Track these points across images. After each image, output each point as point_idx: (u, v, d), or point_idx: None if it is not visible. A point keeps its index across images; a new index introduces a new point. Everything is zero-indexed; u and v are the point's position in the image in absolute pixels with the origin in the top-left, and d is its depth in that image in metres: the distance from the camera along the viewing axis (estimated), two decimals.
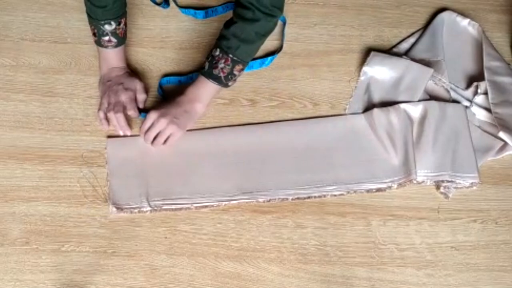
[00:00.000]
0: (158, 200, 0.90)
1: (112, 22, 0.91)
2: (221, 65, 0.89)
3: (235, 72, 0.91)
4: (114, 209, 0.89)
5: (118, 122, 0.93)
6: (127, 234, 0.89)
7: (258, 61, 1.03)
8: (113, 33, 0.93)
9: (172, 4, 1.08)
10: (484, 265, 0.90)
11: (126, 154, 0.94)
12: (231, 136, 0.97)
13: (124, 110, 0.94)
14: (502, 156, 0.98)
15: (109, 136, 0.96)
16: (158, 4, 1.08)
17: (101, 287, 0.86)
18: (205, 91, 0.93)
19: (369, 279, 0.88)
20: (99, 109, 0.95)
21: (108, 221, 0.90)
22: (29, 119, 0.97)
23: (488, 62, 1.03)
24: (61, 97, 0.99)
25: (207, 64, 0.91)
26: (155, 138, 0.92)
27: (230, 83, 0.93)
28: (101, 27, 0.91)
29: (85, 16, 1.05)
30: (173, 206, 0.90)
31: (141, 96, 0.97)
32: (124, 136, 0.95)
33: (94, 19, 0.91)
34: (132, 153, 0.94)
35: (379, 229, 0.92)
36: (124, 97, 0.94)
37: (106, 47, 0.94)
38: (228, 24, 0.90)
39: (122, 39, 0.95)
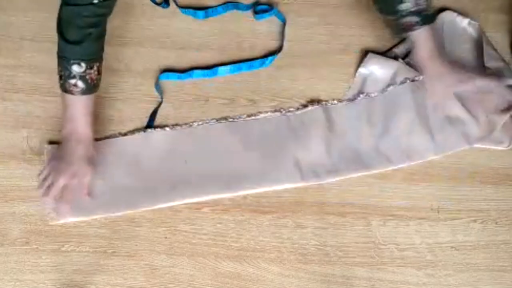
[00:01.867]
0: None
1: (83, 64, 0.82)
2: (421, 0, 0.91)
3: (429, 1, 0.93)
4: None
5: (44, 202, 0.87)
6: (127, 234, 0.89)
7: (258, 61, 1.03)
8: (82, 77, 0.83)
9: (172, 4, 1.08)
10: (484, 265, 0.90)
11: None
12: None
13: (68, 193, 0.87)
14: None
15: (51, 142, 0.95)
16: (158, 4, 1.08)
17: (101, 287, 0.86)
18: (430, 40, 0.95)
19: (369, 279, 0.88)
20: (39, 175, 0.88)
21: (108, 221, 0.90)
22: (29, 119, 0.97)
23: (488, 62, 1.04)
24: None
25: (414, 18, 0.91)
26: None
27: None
28: (69, 67, 0.82)
29: None
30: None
31: (85, 182, 0.88)
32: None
33: (62, 58, 0.82)
34: None
35: (379, 229, 0.92)
36: (64, 183, 0.86)
37: (71, 92, 0.84)
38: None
39: (91, 87, 0.84)
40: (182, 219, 0.91)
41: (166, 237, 0.89)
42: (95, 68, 0.85)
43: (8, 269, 0.86)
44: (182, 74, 1.01)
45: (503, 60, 1.05)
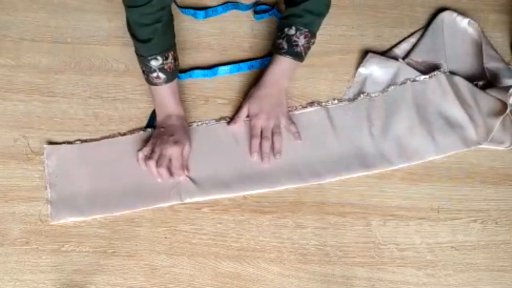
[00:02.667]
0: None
1: (159, 57, 0.88)
2: (301, 42, 0.92)
3: (311, 45, 0.95)
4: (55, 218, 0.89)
5: (160, 175, 0.90)
6: (127, 234, 0.89)
7: (258, 61, 1.03)
8: (161, 69, 0.89)
9: (172, 4, 1.08)
10: (484, 265, 0.90)
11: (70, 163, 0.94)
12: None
13: (169, 163, 0.90)
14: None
15: (49, 143, 0.95)
16: None
17: (101, 287, 0.86)
18: (287, 69, 0.95)
19: (369, 279, 0.88)
20: (141, 149, 0.92)
21: (108, 221, 0.90)
22: (29, 119, 0.97)
23: (487, 63, 1.04)
24: (61, 97, 0.99)
25: (285, 44, 0.92)
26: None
27: (305, 57, 0.96)
28: (147, 63, 0.88)
29: (85, 16, 1.06)
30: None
31: (185, 160, 0.93)
32: None
33: (140, 56, 0.89)
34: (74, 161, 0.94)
35: (379, 229, 0.92)
36: (171, 151, 0.90)
37: (155, 84, 0.91)
38: (293, 2, 0.92)
39: (171, 75, 0.91)
40: (182, 219, 0.91)
41: (166, 237, 0.90)
42: (170, 57, 0.90)
43: (8, 269, 0.86)
44: (182, 74, 1.01)
45: (503, 60, 1.06)
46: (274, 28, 1.07)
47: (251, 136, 0.95)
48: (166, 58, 0.89)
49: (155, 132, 0.94)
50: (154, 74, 0.89)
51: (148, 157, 0.90)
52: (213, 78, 1.02)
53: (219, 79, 1.02)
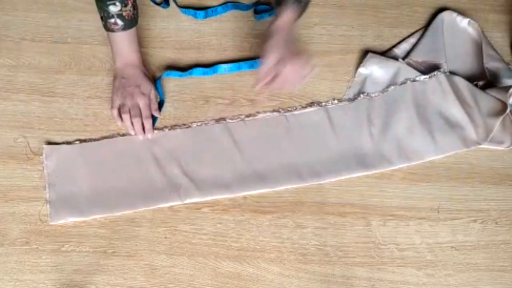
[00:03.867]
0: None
1: (117, 3, 0.88)
2: None
3: None
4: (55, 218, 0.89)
5: (135, 127, 0.94)
6: (127, 234, 0.89)
7: (259, 60, 1.03)
8: (119, 15, 0.90)
9: (172, 4, 1.08)
10: (484, 265, 0.90)
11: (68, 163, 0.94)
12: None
13: (145, 111, 0.94)
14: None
15: (49, 143, 0.95)
16: (158, 4, 1.08)
17: (101, 287, 0.86)
18: (295, 17, 0.89)
19: (369, 279, 0.88)
20: (112, 107, 0.95)
21: (108, 221, 0.90)
22: (29, 119, 0.97)
23: (487, 63, 1.04)
24: (61, 97, 0.99)
25: None
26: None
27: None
28: (106, 8, 0.89)
29: (85, 16, 1.06)
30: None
31: (155, 104, 0.97)
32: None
33: (99, 1, 0.89)
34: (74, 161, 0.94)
35: (379, 229, 0.92)
36: (141, 102, 0.94)
37: (112, 30, 0.92)
38: None
39: (129, 22, 0.92)
40: (182, 219, 0.91)
41: (166, 237, 0.90)
42: (129, 5, 0.90)
43: (8, 269, 0.86)
44: (182, 73, 1.01)
45: (503, 60, 1.06)
46: None
47: (263, 70, 0.87)
48: (125, 5, 0.90)
49: (117, 83, 0.95)
50: (112, 20, 0.90)
51: (122, 111, 0.93)
52: (214, 79, 1.02)
53: (219, 79, 1.02)
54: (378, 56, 1.05)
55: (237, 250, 0.89)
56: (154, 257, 0.88)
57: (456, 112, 0.99)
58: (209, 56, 1.04)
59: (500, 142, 0.98)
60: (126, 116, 0.93)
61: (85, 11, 1.07)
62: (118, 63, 0.96)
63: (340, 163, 0.95)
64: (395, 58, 1.05)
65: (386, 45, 1.08)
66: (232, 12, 1.09)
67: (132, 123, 0.93)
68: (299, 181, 0.94)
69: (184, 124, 0.98)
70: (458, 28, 1.09)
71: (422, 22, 1.10)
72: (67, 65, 1.02)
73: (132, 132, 0.94)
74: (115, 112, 0.94)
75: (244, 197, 0.93)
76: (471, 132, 0.98)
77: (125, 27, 0.92)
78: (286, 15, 0.88)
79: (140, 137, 0.95)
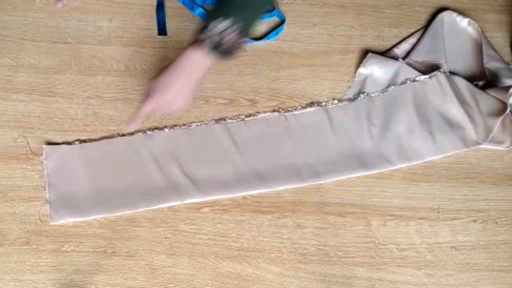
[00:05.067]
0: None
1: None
2: (233, 38, 0.79)
3: (240, 45, 0.82)
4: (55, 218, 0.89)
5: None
6: (127, 234, 0.89)
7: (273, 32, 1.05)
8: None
9: (172, 4, 1.08)
10: (484, 265, 0.90)
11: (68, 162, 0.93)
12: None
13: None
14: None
15: (49, 143, 0.95)
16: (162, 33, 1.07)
17: (101, 287, 0.86)
18: (208, 62, 0.82)
19: (369, 279, 0.88)
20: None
21: (108, 221, 0.90)
22: (29, 119, 0.97)
23: (487, 63, 1.04)
24: (61, 97, 0.99)
25: (217, 37, 0.78)
26: None
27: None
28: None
29: (85, 16, 1.06)
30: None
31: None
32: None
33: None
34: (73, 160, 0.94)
35: (379, 229, 0.92)
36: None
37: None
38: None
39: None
40: (182, 219, 0.91)
41: (166, 237, 0.90)
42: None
43: (8, 269, 0.86)
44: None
45: (503, 60, 1.06)
46: (274, 28, 1.07)
47: (139, 111, 0.82)
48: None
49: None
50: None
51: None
52: (214, 78, 1.02)
53: (219, 79, 1.02)
54: (378, 56, 1.05)
55: (237, 250, 0.89)
56: (154, 257, 0.88)
57: (456, 112, 0.99)
58: None
59: (500, 142, 0.98)
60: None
61: (85, 11, 1.07)
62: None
63: (340, 163, 0.95)
64: (395, 58, 1.05)
65: (386, 45, 1.08)
66: None
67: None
68: (299, 181, 0.94)
69: (184, 124, 0.98)
70: (458, 28, 1.09)
71: (422, 22, 1.10)
72: (67, 65, 1.02)
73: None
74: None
75: (244, 197, 0.93)
76: (471, 132, 0.98)
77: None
78: (198, 57, 0.80)
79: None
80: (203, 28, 0.79)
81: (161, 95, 0.81)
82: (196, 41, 0.80)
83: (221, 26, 0.78)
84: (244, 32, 0.80)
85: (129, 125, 0.84)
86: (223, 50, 0.80)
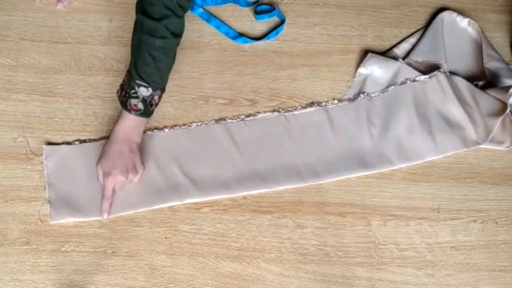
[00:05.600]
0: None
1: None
2: (156, 101, 0.89)
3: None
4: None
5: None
6: (127, 234, 0.89)
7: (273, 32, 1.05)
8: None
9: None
10: (484, 265, 0.90)
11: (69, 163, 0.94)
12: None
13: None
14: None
15: (49, 143, 0.95)
16: None
17: (101, 287, 0.86)
18: (140, 125, 0.90)
19: (369, 279, 0.88)
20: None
21: (108, 221, 0.90)
22: (29, 119, 0.97)
23: (487, 63, 1.04)
24: (61, 97, 0.99)
25: (141, 105, 0.87)
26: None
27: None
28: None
29: (85, 16, 1.06)
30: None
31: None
32: None
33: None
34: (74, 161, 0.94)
35: (379, 229, 0.92)
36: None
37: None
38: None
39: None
40: (182, 219, 0.91)
41: (166, 237, 0.90)
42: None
43: (8, 269, 0.86)
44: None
45: (503, 60, 1.06)
46: (274, 28, 1.07)
47: (102, 197, 0.88)
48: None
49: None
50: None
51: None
52: (214, 78, 1.02)
53: (219, 79, 1.02)
54: (378, 56, 1.05)
55: (237, 250, 0.89)
56: (154, 257, 0.88)
57: (456, 112, 0.99)
58: (209, 55, 1.04)
59: (500, 142, 0.98)
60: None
61: (85, 11, 1.07)
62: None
63: (340, 163, 0.95)
64: (395, 58, 1.05)
65: (386, 45, 1.08)
66: (232, 12, 1.09)
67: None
68: (299, 181, 0.94)
69: (184, 124, 0.98)
70: (458, 28, 1.09)
71: (422, 22, 1.10)
72: (67, 65, 1.02)
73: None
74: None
75: (244, 197, 0.93)
76: (471, 132, 0.98)
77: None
78: (131, 123, 0.88)
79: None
80: (127, 96, 0.86)
81: (114, 172, 0.87)
82: (123, 106, 0.87)
83: (144, 94, 0.86)
84: (163, 92, 0.89)
85: (102, 215, 0.89)
86: (150, 112, 0.89)
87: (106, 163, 0.88)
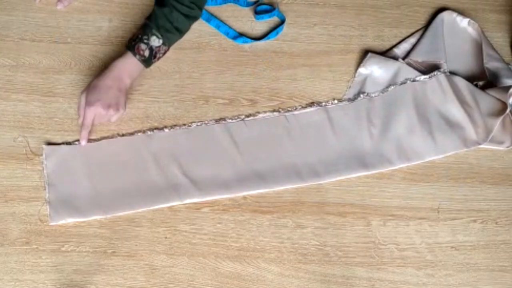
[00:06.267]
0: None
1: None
2: (160, 55, 0.94)
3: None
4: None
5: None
6: (127, 234, 0.89)
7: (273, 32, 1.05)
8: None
9: None
10: (484, 265, 0.90)
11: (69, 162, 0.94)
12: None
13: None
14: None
15: (49, 143, 0.95)
16: None
17: (101, 287, 0.86)
18: (136, 70, 0.94)
19: (369, 279, 0.88)
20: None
21: (108, 221, 0.90)
22: (29, 119, 0.97)
23: (487, 63, 1.04)
24: (61, 97, 0.99)
25: (147, 52, 0.92)
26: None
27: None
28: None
29: (85, 16, 1.06)
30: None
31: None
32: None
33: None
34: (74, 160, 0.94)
35: (379, 229, 0.92)
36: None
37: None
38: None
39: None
40: (182, 219, 0.91)
41: (166, 237, 0.90)
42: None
43: (8, 269, 0.86)
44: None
45: (503, 60, 1.06)
46: (274, 28, 1.07)
47: (81, 126, 0.92)
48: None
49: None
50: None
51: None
52: (214, 78, 1.02)
53: (219, 79, 1.02)
54: (378, 56, 1.05)
55: (237, 250, 0.89)
56: (154, 257, 0.88)
57: (456, 112, 0.99)
58: (209, 55, 1.04)
59: (500, 142, 0.98)
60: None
61: (85, 11, 1.07)
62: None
63: (340, 163, 0.95)
64: (395, 58, 1.05)
65: (386, 45, 1.08)
66: (232, 12, 1.09)
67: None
68: (299, 181, 0.94)
69: (184, 124, 0.98)
70: (458, 28, 1.09)
71: (422, 22, 1.10)
72: (67, 65, 1.02)
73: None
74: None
75: (244, 197, 0.93)
76: (471, 132, 0.98)
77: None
78: (128, 65, 0.92)
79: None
80: (137, 40, 0.92)
81: (97, 104, 0.90)
82: (129, 48, 0.92)
83: (153, 43, 0.92)
84: (167, 50, 0.95)
85: (81, 142, 0.93)
86: (151, 63, 0.94)
87: (92, 93, 0.90)
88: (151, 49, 0.92)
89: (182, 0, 0.91)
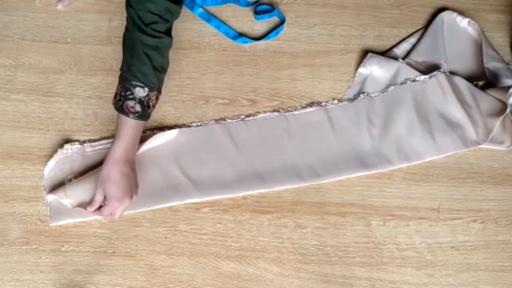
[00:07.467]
0: None
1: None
2: (153, 102, 0.86)
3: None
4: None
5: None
6: (127, 234, 0.89)
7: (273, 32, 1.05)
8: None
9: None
10: (484, 265, 0.90)
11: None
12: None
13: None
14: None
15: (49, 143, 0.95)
16: None
17: (101, 287, 0.86)
18: (138, 133, 0.87)
19: (369, 279, 0.88)
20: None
21: (108, 221, 0.90)
22: (29, 119, 0.97)
23: (487, 63, 1.04)
24: (61, 97, 0.99)
25: (138, 107, 0.83)
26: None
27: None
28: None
29: (85, 16, 1.06)
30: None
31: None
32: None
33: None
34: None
35: (379, 229, 0.92)
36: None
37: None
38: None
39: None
40: (182, 219, 0.91)
41: (166, 237, 0.90)
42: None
43: (8, 269, 0.86)
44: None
45: (503, 60, 1.06)
46: (274, 28, 1.07)
47: (94, 207, 0.85)
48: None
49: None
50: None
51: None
52: (214, 78, 1.02)
53: (219, 79, 1.02)
54: (378, 56, 1.05)
55: (237, 250, 0.89)
56: (154, 257, 0.88)
57: (456, 112, 0.99)
58: (209, 55, 1.04)
59: (500, 142, 0.98)
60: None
61: (85, 11, 1.07)
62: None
63: (340, 163, 0.95)
64: (395, 58, 1.05)
65: (386, 45, 1.08)
66: (232, 12, 1.09)
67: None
68: (299, 181, 0.94)
69: (184, 124, 0.98)
70: (458, 28, 1.09)
71: (422, 22, 1.10)
72: (67, 65, 1.02)
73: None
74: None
75: (244, 197, 0.93)
76: (471, 132, 0.98)
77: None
78: (131, 132, 0.84)
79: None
80: (122, 99, 0.83)
81: (121, 196, 0.84)
82: (119, 110, 0.84)
83: (140, 95, 0.83)
84: (159, 93, 0.87)
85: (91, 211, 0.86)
86: (148, 114, 0.86)
87: (112, 187, 0.83)
88: (140, 102, 0.83)
89: (145, 30, 0.82)
